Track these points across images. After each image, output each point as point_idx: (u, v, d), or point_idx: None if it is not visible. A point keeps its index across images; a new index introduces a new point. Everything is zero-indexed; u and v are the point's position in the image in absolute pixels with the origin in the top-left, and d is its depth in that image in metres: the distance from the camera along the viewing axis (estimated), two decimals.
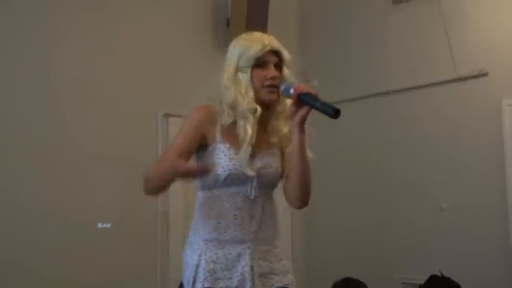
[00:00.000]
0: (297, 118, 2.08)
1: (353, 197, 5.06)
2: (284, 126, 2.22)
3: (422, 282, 3.83)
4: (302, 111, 2.07)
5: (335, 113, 1.98)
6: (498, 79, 4.40)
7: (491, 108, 4.40)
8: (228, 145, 2.15)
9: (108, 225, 4.22)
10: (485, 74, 4.44)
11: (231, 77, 2.20)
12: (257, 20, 4.95)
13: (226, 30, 5.07)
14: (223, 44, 5.03)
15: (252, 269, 2.15)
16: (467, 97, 4.55)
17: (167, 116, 4.66)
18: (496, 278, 4.23)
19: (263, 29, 4.94)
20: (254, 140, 2.15)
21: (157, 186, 2.15)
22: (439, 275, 3.74)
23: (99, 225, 4.20)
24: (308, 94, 2.06)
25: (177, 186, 4.67)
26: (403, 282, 4.72)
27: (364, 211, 4.94)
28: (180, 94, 4.71)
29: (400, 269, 4.73)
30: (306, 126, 2.12)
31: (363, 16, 5.26)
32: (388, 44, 5.01)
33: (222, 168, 2.13)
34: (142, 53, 4.57)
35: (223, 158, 2.14)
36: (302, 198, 2.25)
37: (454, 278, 3.69)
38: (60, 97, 4.17)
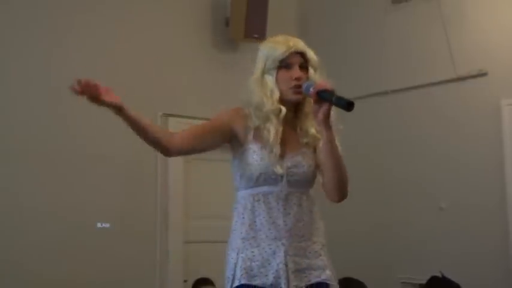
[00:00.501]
0: (320, 115, 2.12)
1: (352, 196, 5.00)
2: (311, 127, 2.28)
3: (422, 282, 3.84)
4: (324, 108, 2.12)
5: (348, 106, 2.04)
6: (497, 79, 4.40)
7: (491, 108, 4.40)
8: (260, 145, 2.22)
9: (107, 225, 4.23)
10: (484, 74, 4.44)
11: (257, 79, 2.25)
12: (256, 20, 4.95)
13: (225, 29, 5.08)
14: (222, 44, 5.07)
15: (286, 265, 2.18)
16: (467, 97, 4.55)
17: (167, 115, 4.66)
18: (495, 278, 4.23)
19: (262, 28, 4.95)
20: (279, 140, 2.21)
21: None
22: (440, 275, 3.74)
23: (99, 225, 4.20)
24: (325, 90, 2.10)
25: (177, 187, 4.70)
26: (402, 282, 4.72)
27: (363, 211, 4.93)
28: (179, 94, 4.73)
29: (399, 268, 4.73)
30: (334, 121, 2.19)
31: (362, 16, 5.26)
32: (388, 43, 5.01)
33: (254, 168, 2.21)
34: (142, 53, 4.57)
35: (255, 158, 2.21)
36: (339, 192, 2.31)
37: (453, 278, 3.69)
38: (60, 97, 4.13)
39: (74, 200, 4.10)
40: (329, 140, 2.19)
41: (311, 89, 2.13)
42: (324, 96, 2.10)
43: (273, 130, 2.20)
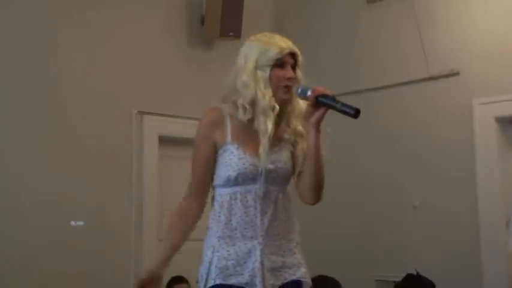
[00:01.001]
0: (314, 119, 2.17)
1: (326, 196, 5.06)
2: (298, 124, 2.30)
3: (396, 279, 3.87)
4: (319, 113, 2.16)
5: (356, 113, 2.07)
6: (469, 78, 4.45)
7: (463, 107, 4.45)
8: (236, 145, 2.23)
9: (82, 223, 4.20)
10: (456, 74, 4.49)
11: (250, 74, 2.25)
12: (232, 18, 4.94)
13: (200, 28, 5.06)
14: (197, 42, 5.06)
15: (262, 264, 2.20)
16: (439, 96, 4.60)
17: (141, 113, 4.64)
18: (467, 276, 4.28)
19: (238, 26, 4.95)
20: (272, 136, 2.22)
21: None
22: (415, 273, 3.78)
23: (73, 223, 4.18)
24: (326, 96, 2.14)
25: (151, 185, 4.66)
26: (376, 280, 4.76)
27: (337, 210, 4.94)
28: (154, 91, 4.71)
29: (374, 266, 4.76)
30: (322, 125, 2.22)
31: (337, 15, 5.28)
32: (361, 42, 5.04)
33: (232, 168, 2.21)
34: (117, 51, 4.55)
35: (233, 159, 2.22)
36: (315, 195, 2.36)
37: (427, 276, 3.73)
38: (30, 95, 4.13)
39: (48, 197, 4.07)
40: (316, 145, 2.22)
41: (309, 92, 2.16)
42: (326, 102, 2.14)
43: (270, 125, 2.21)
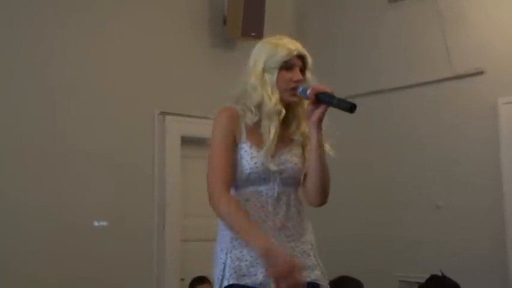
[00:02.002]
0: (314, 117, 2.18)
1: (349, 195, 5.05)
2: (306, 127, 2.30)
3: (419, 280, 3.84)
4: (319, 110, 2.18)
5: (351, 108, 2.11)
6: (494, 77, 4.40)
7: (487, 106, 4.40)
8: (249, 144, 2.23)
9: (105, 224, 4.22)
10: (481, 73, 4.44)
11: (258, 77, 2.26)
12: (253, 18, 4.95)
13: (222, 28, 5.07)
14: (219, 42, 5.07)
15: None
16: (463, 95, 4.55)
17: (164, 114, 4.66)
18: (492, 277, 4.24)
19: (259, 27, 4.95)
20: (276, 139, 2.23)
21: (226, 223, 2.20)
22: (440, 274, 3.74)
23: (96, 224, 4.20)
24: (325, 93, 2.16)
25: (174, 186, 4.67)
26: (400, 281, 4.72)
27: (360, 210, 4.94)
28: (176, 92, 4.73)
29: (397, 267, 4.73)
30: (326, 125, 2.24)
31: (359, 14, 5.25)
32: (383, 42, 5.01)
33: (244, 167, 2.21)
34: (139, 51, 4.57)
35: (245, 157, 2.22)
36: (321, 196, 2.34)
37: (451, 277, 3.70)
38: (56, 96, 4.16)
39: (70, 199, 4.09)
40: (319, 142, 2.23)
41: (308, 91, 2.18)
42: (324, 99, 2.16)
43: (273, 130, 2.22)
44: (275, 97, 2.23)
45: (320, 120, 2.19)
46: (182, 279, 4.56)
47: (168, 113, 4.67)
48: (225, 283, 2.16)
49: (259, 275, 2.17)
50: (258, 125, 2.24)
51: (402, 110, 4.84)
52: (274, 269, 1.98)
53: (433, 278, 3.77)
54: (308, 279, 2.23)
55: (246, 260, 2.18)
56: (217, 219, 2.26)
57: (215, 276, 2.23)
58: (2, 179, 3.87)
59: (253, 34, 4.90)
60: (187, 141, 4.72)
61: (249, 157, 2.21)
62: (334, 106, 2.14)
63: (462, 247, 4.39)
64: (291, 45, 2.30)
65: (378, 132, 4.98)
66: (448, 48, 4.57)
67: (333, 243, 5.09)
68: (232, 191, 2.25)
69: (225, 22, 5.05)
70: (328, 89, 2.17)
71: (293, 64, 2.28)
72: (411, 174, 4.73)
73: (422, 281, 3.89)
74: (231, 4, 4.98)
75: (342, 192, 5.07)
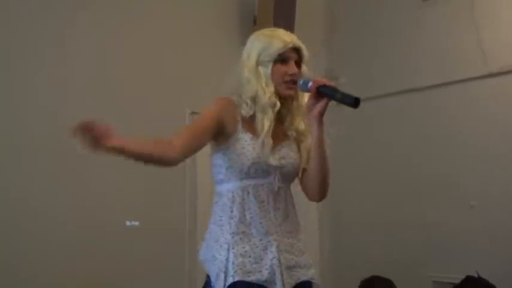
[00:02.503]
0: (316, 111, 2.14)
1: (382, 193, 5.03)
2: (301, 123, 2.26)
3: (453, 281, 3.79)
4: (321, 104, 2.14)
5: (355, 102, 2.03)
6: None
7: None
8: (250, 135, 2.18)
9: (136, 223, 4.25)
10: None
11: (252, 70, 2.23)
12: (284, 17, 4.93)
13: (253, 27, 5.06)
14: None
15: (279, 261, 2.15)
16: (499, 93, 4.48)
17: (194, 114, 4.67)
18: None
19: (290, 25, 4.93)
20: (271, 133, 2.18)
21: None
22: (475, 275, 3.69)
23: (127, 224, 4.22)
24: (328, 86, 2.10)
25: (205, 185, 4.69)
26: (433, 281, 4.67)
27: (393, 208, 4.91)
28: (207, 92, 4.70)
29: (430, 267, 4.68)
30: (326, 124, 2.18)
31: (392, 13, 5.20)
32: (417, 41, 4.96)
33: (246, 157, 2.16)
34: (170, 51, 4.59)
35: (247, 147, 2.16)
36: (321, 192, 2.29)
37: (489, 279, 3.64)
38: (87, 96, 4.20)
39: (102, 199, 4.12)
40: (319, 136, 2.18)
41: (310, 84, 2.12)
42: (326, 92, 2.11)
43: (267, 123, 2.17)
44: (269, 90, 2.18)
45: (321, 115, 2.15)
46: None
47: (199, 113, 4.66)
48: (230, 280, 2.09)
49: (264, 271, 2.12)
50: (253, 118, 2.20)
51: (437, 108, 4.79)
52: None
53: (469, 279, 3.72)
54: (305, 278, 2.22)
55: (250, 256, 2.13)
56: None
57: (212, 271, 2.16)
58: (36, 181, 3.91)
59: None
60: None
61: (251, 148, 2.16)
62: (337, 100, 2.08)
63: (499, 248, 4.31)
64: (286, 37, 2.23)
65: (412, 129, 4.94)
66: (482, 46, 4.50)
67: (366, 241, 5.07)
68: (230, 184, 2.22)
69: (255, 22, 5.05)
70: (329, 82, 2.12)
71: (288, 57, 2.22)
72: (446, 171, 4.66)
73: (457, 281, 3.84)
74: (262, 4, 4.98)
75: (375, 189, 5.07)
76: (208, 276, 2.20)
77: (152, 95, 4.46)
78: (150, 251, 4.28)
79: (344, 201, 5.31)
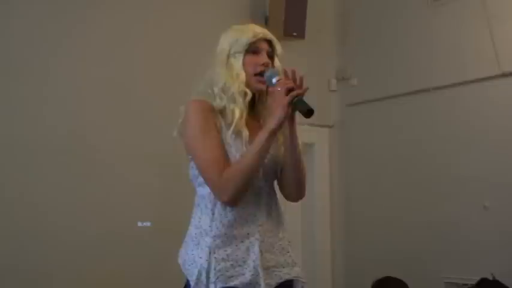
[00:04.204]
0: (284, 109, 2.01)
1: (395, 193, 5.01)
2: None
3: (466, 282, 3.77)
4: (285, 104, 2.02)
5: (308, 113, 1.98)
6: None
7: None
8: (234, 136, 2.11)
9: (148, 224, 4.25)
10: None
11: (223, 62, 2.19)
12: (295, 18, 4.93)
13: (264, 28, 5.06)
14: None
15: (260, 262, 2.10)
16: (511, 93, 4.45)
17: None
18: None
19: (301, 25, 4.93)
20: (244, 123, 2.12)
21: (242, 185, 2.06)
22: (490, 278, 3.66)
23: (139, 224, 4.23)
24: (298, 97, 2.02)
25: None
26: (446, 282, 4.64)
27: (406, 208, 4.89)
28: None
29: (443, 268, 4.64)
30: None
31: (402, 13, 5.18)
32: (428, 41, 4.94)
33: (231, 154, 2.10)
34: (180, 51, 4.59)
35: (232, 151, 2.11)
36: (299, 191, 2.25)
37: (499, 279, 3.62)
38: (103, 96, 4.22)
39: (112, 199, 4.14)
40: (293, 134, 2.11)
41: (274, 80, 2.08)
42: (295, 102, 2.01)
43: (238, 112, 2.10)
44: (240, 80, 2.13)
45: (293, 111, 2.03)
46: None
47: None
48: (212, 287, 2.05)
49: (247, 274, 2.07)
50: (223, 112, 2.13)
51: (450, 109, 4.75)
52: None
53: (483, 282, 3.68)
54: (288, 277, 2.17)
55: (232, 260, 2.08)
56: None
57: (192, 276, 2.11)
58: (53, 184, 3.94)
59: (295, 34, 4.89)
60: None
61: (234, 149, 2.10)
62: (292, 104, 2.00)
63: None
64: (257, 29, 2.21)
65: (424, 130, 4.91)
66: (495, 46, 4.47)
67: (379, 242, 5.06)
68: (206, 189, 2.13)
69: (266, 22, 5.04)
70: (290, 84, 2.02)
71: (259, 47, 2.18)
72: (459, 173, 4.63)
73: (470, 283, 3.82)
74: (273, 4, 4.98)
75: (388, 190, 5.05)
76: (187, 280, 2.16)
77: (163, 95, 4.46)
78: (165, 252, 4.27)
79: (357, 200, 5.30)
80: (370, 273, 3.89)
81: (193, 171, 2.22)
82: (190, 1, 4.74)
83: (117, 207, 4.14)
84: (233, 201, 2.05)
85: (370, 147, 5.18)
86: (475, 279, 3.77)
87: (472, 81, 4.61)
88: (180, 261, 2.23)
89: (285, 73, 2.09)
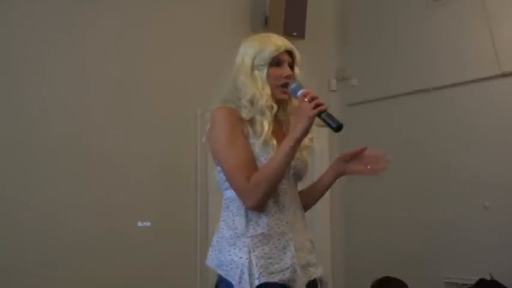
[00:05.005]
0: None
1: (395, 192, 5.01)
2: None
3: (466, 282, 3.77)
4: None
5: (338, 128, 2.13)
6: None
7: None
8: (261, 139, 2.20)
9: (148, 223, 4.26)
10: None
11: (247, 74, 2.27)
12: (295, 18, 4.94)
13: (264, 28, 5.06)
14: None
15: (297, 259, 2.19)
16: (511, 93, 4.45)
17: (206, 113, 4.68)
18: None
19: (301, 25, 4.93)
20: (271, 133, 2.22)
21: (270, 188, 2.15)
22: (488, 278, 3.66)
23: (139, 224, 4.24)
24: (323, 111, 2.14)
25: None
26: (446, 282, 4.64)
27: (406, 207, 4.89)
28: (218, 92, 4.73)
29: (443, 268, 4.65)
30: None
31: (403, 13, 5.18)
32: (429, 41, 4.94)
33: (260, 163, 2.17)
34: (181, 51, 4.60)
35: (260, 153, 2.19)
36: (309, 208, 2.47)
37: (498, 278, 3.62)
38: (102, 97, 4.22)
39: (113, 199, 4.14)
40: (331, 185, 2.41)
41: (299, 93, 2.17)
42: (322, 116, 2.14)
43: (267, 125, 2.20)
44: (266, 93, 2.23)
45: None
46: None
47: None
48: (256, 282, 2.10)
49: (286, 271, 2.16)
50: (253, 121, 2.23)
51: (450, 109, 4.76)
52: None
53: (482, 282, 3.69)
54: (315, 276, 2.27)
55: (270, 258, 2.15)
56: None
57: (233, 275, 2.14)
58: (53, 184, 3.94)
59: (295, 34, 4.89)
60: None
61: (265, 152, 2.19)
62: (320, 118, 2.14)
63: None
64: (278, 41, 2.31)
65: (423, 130, 4.92)
66: (495, 46, 4.47)
67: (379, 242, 5.06)
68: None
69: (266, 22, 5.05)
70: (313, 94, 2.14)
71: (282, 60, 2.28)
72: (459, 173, 4.64)
73: (469, 283, 3.82)
74: (273, 4, 4.98)
75: (387, 190, 5.04)
76: (222, 281, 2.19)
77: (164, 96, 4.47)
78: (164, 252, 4.30)
79: (356, 200, 5.30)
80: (370, 273, 3.89)
81: (220, 176, 2.26)
82: (190, 1, 4.74)
83: (117, 207, 4.14)
84: (259, 206, 2.15)
85: (372, 146, 5.17)
86: (474, 279, 3.78)
87: (472, 81, 4.61)
88: (211, 263, 2.27)
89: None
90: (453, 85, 4.72)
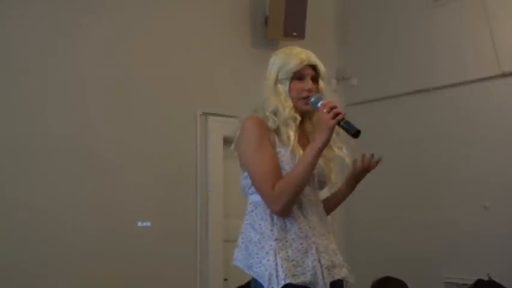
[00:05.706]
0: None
1: (395, 192, 5.01)
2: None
3: (466, 282, 3.77)
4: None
5: (356, 133, 2.23)
6: None
7: None
8: (287, 147, 2.31)
9: (148, 224, 4.26)
10: None
11: (271, 88, 2.39)
12: (295, 18, 4.93)
13: (264, 28, 5.07)
14: (261, 42, 5.06)
15: (320, 262, 2.28)
16: (511, 93, 4.45)
17: (206, 114, 4.68)
18: None
19: (301, 25, 4.93)
20: (297, 143, 2.33)
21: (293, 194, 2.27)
22: (486, 279, 3.66)
23: (139, 224, 4.24)
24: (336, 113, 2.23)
25: (216, 186, 4.70)
26: (445, 282, 4.64)
27: (406, 207, 4.89)
28: (219, 93, 4.74)
29: (443, 268, 4.65)
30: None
31: (402, 14, 5.19)
32: (428, 41, 4.94)
33: (284, 170, 2.29)
34: (181, 52, 4.60)
35: (285, 161, 2.30)
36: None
37: (498, 279, 3.62)
38: (102, 97, 4.22)
39: (113, 199, 4.14)
40: (349, 193, 2.56)
41: (319, 104, 2.27)
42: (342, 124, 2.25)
43: (292, 135, 2.32)
44: (288, 105, 2.34)
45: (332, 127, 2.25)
46: (225, 279, 4.57)
47: (211, 114, 4.69)
48: (282, 283, 2.20)
49: (307, 274, 2.25)
50: (278, 131, 2.35)
51: (450, 109, 4.76)
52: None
53: (480, 283, 3.69)
54: (339, 277, 2.36)
55: (293, 260, 2.25)
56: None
57: (263, 276, 2.24)
58: (51, 181, 3.94)
59: (295, 34, 4.89)
60: (229, 142, 4.70)
61: (290, 160, 2.30)
62: (340, 126, 2.24)
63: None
64: (302, 55, 2.40)
65: (423, 130, 4.91)
66: (495, 46, 4.47)
67: (379, 242, 5.06)
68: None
69: (266, 22, 5.05)
70: (334, 104, 2.24)
71: (304, 74, 2.38)
72: (459, 173, 4.64)
73: (469, 283, 3.82)
74: (273, 4, 4.98)
75: (388, 190, 5.04)
76: (255, 282, 2.30)
77: (164, 96, 4.47)
78: (164, 252, 4.30)
79: (357, 200, 5.25)
80: (370, 273, 3.89)
81: (246, 181, 2.39)
82: (190, 1, 4.74)
83: (117, 207, 4.14)
84: (284, 211, 2.26)
85: (372, 146, 5.15)
86: (474, 279, 3.78)
87: (472, 81, 4.62)
88: (240, 264, 2.37)
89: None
90: (453, 85, 4.72)
